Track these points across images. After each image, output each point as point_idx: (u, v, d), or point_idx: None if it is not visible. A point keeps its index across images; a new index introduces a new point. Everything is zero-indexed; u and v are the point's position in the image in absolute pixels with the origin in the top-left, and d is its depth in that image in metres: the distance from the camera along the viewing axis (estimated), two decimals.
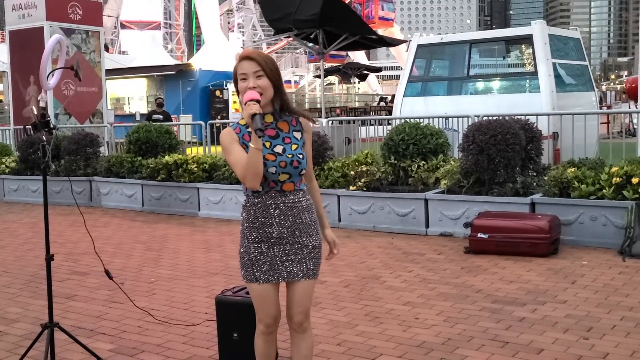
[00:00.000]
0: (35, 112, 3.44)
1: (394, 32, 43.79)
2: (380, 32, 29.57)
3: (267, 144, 2.83)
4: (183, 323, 4.61)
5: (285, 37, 14.19)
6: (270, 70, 2.81)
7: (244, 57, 2.81)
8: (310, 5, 13.29)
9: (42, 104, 3.32)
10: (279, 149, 2.84)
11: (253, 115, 2.67)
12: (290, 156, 2.83)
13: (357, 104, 36.12)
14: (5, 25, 15.06)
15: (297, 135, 2.91)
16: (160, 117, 15.24)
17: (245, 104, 2.70)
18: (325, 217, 3.11)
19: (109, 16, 49.11)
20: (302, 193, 2.92)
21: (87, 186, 10.82)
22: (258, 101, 2.72)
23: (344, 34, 14.17)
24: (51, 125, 3.47)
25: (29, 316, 4.93)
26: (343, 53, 40.25)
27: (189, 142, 12.93)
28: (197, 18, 50.88)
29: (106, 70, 15.97)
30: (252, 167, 2.74)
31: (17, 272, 6.36)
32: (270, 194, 2.86)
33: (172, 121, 16.42)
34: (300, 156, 2.86)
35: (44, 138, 3.47)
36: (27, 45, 14.18)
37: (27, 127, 3.54)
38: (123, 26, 57.32)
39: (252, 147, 2.71)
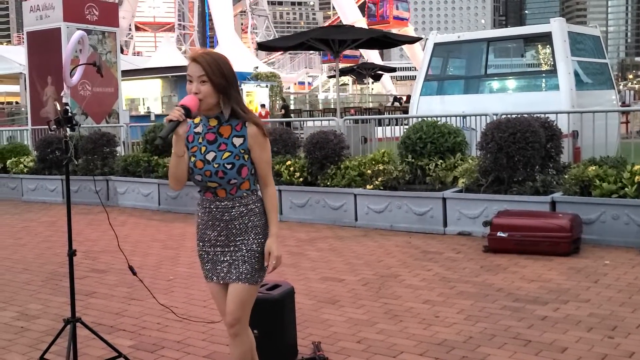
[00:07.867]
0: (59, 108, 3.44)
1: (408, 31, 43.68)
2: (395, 31, 29.60)
3: (203, 149, 2.77)
4: (202, 320, 4.61)
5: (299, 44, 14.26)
6: (215, 75, 2.65)
7: (191, 59, 2.70)
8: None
9: (65, 100, 3.30)
10: (210, 156, 2.75)
11: (170, 121, 2.61)
12: (216, 166, 2.72)
13: (370, 105, 36.05)
14: (24, 27, 15.20)
15: (237, 141, 2.74)
16: None
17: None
18: (274, 225, 2.84)
19: (123, 18, 49.45)
20: (238, 200, 2.79)
21: (104, 185, 10.88)
22: (187, 108, 2.61)
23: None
24: (74, 122, 3.47)
25: (50, 312, 4.96)
26: (357, 53, 40.20)
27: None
28: (210, 19, 51.08)
29: (121, 71, 16.04)
30: (171, 170, 2.78)
31: (37, 270, 6.40)
32: (206, 197, 2.84)
33: None
34: (229, 166, 2.72)
35: (67, 134, 3.47)
36: (44, 46, 14.29)
37: (49, 122, 3.54)
38: (137, 28, 57.69)
39: (173, 151, 2.71)
